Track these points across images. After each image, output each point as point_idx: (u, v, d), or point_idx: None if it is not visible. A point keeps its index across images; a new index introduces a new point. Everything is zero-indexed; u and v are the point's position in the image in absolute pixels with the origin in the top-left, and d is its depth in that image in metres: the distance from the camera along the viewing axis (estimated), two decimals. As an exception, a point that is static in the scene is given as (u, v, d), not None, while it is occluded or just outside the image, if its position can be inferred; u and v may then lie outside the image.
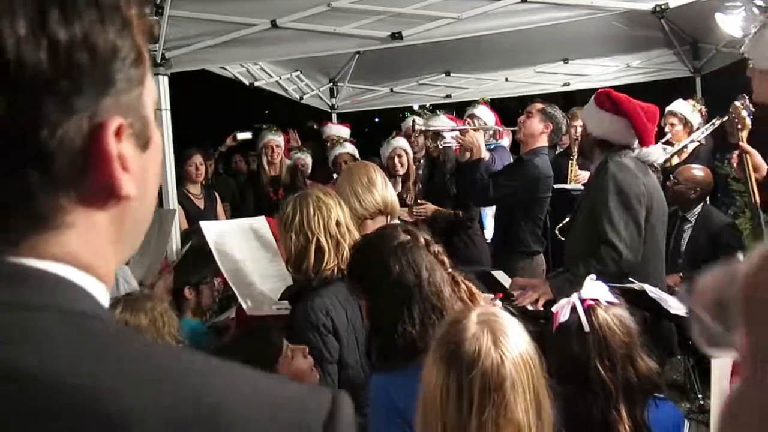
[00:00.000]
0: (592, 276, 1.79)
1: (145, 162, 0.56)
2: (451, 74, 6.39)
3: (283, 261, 2.81)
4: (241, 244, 2.88)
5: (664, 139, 4.84)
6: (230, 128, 5.92)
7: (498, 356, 1.24)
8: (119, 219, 0.56)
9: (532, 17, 3.39)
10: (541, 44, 5.33)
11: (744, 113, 2.93)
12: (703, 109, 4.87)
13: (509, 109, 7.60)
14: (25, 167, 0.49)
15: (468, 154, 3.83)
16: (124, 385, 0.47)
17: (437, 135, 4.34)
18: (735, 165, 2.92)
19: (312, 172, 5.63)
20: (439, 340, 1.30)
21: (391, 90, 6.57)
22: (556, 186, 4.19)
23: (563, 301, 1.70)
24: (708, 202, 4.28)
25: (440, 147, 4.38)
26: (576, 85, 6.19)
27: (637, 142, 2.85)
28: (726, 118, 5.00)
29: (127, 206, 0.55)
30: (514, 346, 1.27)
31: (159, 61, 3.68)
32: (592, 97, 2.96)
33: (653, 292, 2.08)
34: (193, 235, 3.70)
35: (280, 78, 5.71)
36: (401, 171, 4.51)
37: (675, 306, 2.10)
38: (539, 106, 3.86)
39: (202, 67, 4.10)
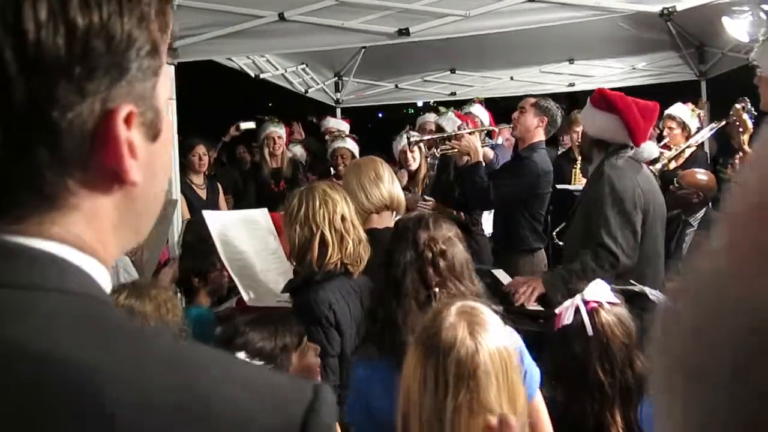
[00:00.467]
0: (597, 280, 1.80)
1: (154, 153, 0.58)
2: (457, 72, 6.38)
3: (284, 253, 2.83)
4: (243, 235, 2.89)
5: (661, 143, 4.85)
6: (233, 119, 5.91)
7: (473, 345, 1.27)
8: (123, 205, 0.57)
9: (539, 17, 3.39)
10: (547, 44, 5.32)
11: (745, 116, 2.93)
12: (702, 113, 4.88)
13: (514, 109, 7.58)
14: (35, 146, 0.51)
15: (466, 158, 3.80)
16: (116, 366, 0.48)
17: (434, 143, 4.30)
18: (737, 169, 2.92)
19: (311, 165, 5.65)
20: (421, 330, 1.35)
21: (396, 86, 6.57)
22: (559, 186, 4.19)
23: (567, 303, 1.70)
24: (711, 207, 4.28)
25: (437, 156, 4.35)
26: (581, 85, 6.18)
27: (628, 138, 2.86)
28: (724, 122, 5.05)
29: (132, 193, 0.56)
30: (490, 338, 1.31)
31: (166, 51, 3.68)
32: (589, 99, 2.96)
33: (653, 294, 2.09)
34: (193, 224, 3.72)
35: (286, 71, 5.71)
36: (413, 165, 4.52)
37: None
38: (532, 100, 3.83)
39: (210, 58, 4.11)
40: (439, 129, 4.63)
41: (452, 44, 4.47)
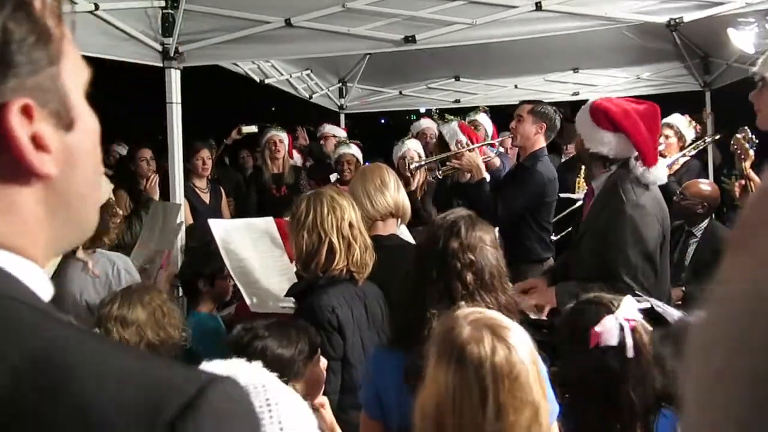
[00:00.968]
0: (627, 297, 1.76)
1: (72, 142, 0.57)
2: (461, 79, 6.39)
3: (289, 260, 2.82)
4: (248, 242, 2.89)
5: (663, 164, 4.87)
6: (236, 124, 5.92)
7: (506, 347, 1.26)
8: (47, 199, 0.56)
9: (545, 26, 3.39)
10: (552, 52, 5.33)
11: (747, 146, 2.95)
12: (698, 126, 4.91)
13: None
14: None
15: (468, 176, 3.78)
16: None
17: (436, 165, 4.25)
18: (738, 193, 2.91)
19: (310, 171, 5.64)
20: (440, 346, 1.31)
21: (400, 92, 6.58)
22: (561, 195, 4.18)
23: (610, 323, 1.66)
24: (713, 217, 4.28)
25: (440, 177, 4.30)
26: (585, 94, 6.17)
27: (636, 154, 2.79)
28: (718, 136, 5.06)
29: (54, 186, 0.56)
30: (516, 336, 1.30)
31: (172, 55, 3.69)
32: (587, 112, 2.77)
33: (659, 306, 2.08)
34: (196, 230, 3.71)
35: (291, 76, 5.72)
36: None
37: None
38: (527, 107, 3.76)
39: (215, 63, 4.11)
40: (440, 136, 4.64)
41: (457, 52, 4.48)
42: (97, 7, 3.23)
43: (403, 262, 1.92)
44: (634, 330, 1.64)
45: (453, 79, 6.40)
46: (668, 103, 5.98)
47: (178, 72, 3.75)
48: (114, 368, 0.51)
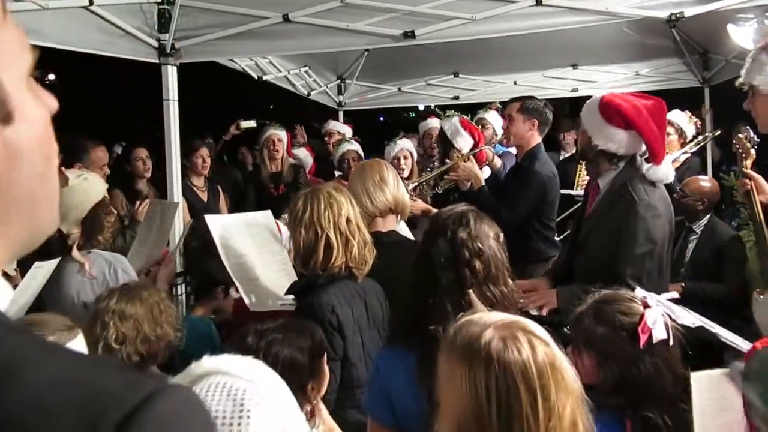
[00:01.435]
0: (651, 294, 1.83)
1: (10, 136, 0.53)
2: (460, 76, 6.37)
3: (288, 256, 2.80)
4: (246, 239, 2.86)
5: (669, 162, 4.86)
6: (234, 121, 5.88)
7: (543, 343, 1.24)
8: None
9: (546, 21, 3.37)
10: (551, 49, 5.30)
11: (748, 145, 2.95)
12: (698, 122, 4.91)
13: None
14: None
15: (468, 184, 3.74)
16: None
17: (435, 182, 4.22)
18: (740, 192, 2.91)
19: (315, 169, 5.62)
20: (469, 355, 1.24)
21: (399, 89, 6.56)
22: (561, 191, 4.16)
23: (655, 316, 1.71)
24: (713, 213, 4.27)
25: (440, 191, 4.26)
26: (584, 91, 6.17)
27: (643, 151, 2.78)
28: (718, 132, 5.06)
29: None
30: (540, 327, 1.28)
31: (169, 51, 3.66)
32: (596, 108, 2.74)
33: (662, 302, 2.07)
34: (196, 228, 3.68)
35: (289, 73, 5.69)
36: (405, 173, 4.51)
37: (683, 317, 2.08)
38: (516, 105, 3.73)
39: (212, 59, 4.08)
40: (441, 132, 4.61)
41: (456, 48, 4.45)
42: (91, 2, 3.19)
43: (403, 258, 1.90)
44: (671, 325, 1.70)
45: (452, 76, 6.38)
46: (667, 99, 5.95)
47: (175, 68, 3.71)
48: (56, 377, 0.49)
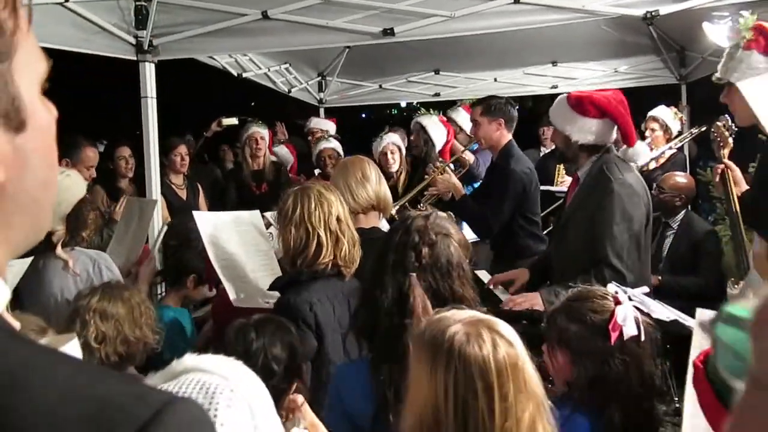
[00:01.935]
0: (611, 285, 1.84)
1: (21, 143, 0.54)
2: (441, 73, 6.38)
3: (275, 255, 2.79)
4: (234, 236, 2.84)
5: (643, 143, 4.92)
6: (214, 119, 5.84)
7: (506, 342, 1.24)
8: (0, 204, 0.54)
9: (524, 18, 3.40)
10: (531, 46, 5.34)
11: (726, 133, 3.00)
12: (684, 117, 4.96)
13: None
14: None
15: (450, 195, 3.75)
16: None
17: (417, 200, 4.20)
18: (717, 180, 2.97)
19: (297, 166, 5.60)
20: (432, 348, 1.25)
21: (380, 86, 6.55)
22: (542, 187, 4.20)
23: (625, 312, 1.72)
24: (690, 209, 4.33)
25: (424, 208, 4.25)
26: (564, 87, 6.20)
27: (614, 138, 2.86)
28: (704, 128, 5.13)
29: (6, 190, 0.53)
30: (510, 329, 1.28)
31: (146, 48, 3.63)
32: (566, 106, 2.84)
33: (635, 296, 2.09)
34: (174, 227, 3.66)
35: (269, 70, 5.66)
36: (394, 167, 4.52)
37: (657, 311, 2.11)
38: (479, 109, 3.75)
39: (190, 56, 4.05)
40: (423, 129, 4.64)
41: (436, 45, 4.47)
42: (67, -2, 3.16)
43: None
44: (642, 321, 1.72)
45: (433, 73, 6.39)
46: (645, 95, 6.06)
47: (153, 66, 3.68)
48: (64, 389, 0.49)
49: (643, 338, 1.72)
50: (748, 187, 2.95)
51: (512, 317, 2.78)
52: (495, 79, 6.34)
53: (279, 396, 1.59)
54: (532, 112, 8.94)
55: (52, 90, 0.60)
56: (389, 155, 4.55)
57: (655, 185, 4.13)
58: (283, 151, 5.78)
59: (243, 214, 2.99)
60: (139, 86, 3.68)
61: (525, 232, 3.70)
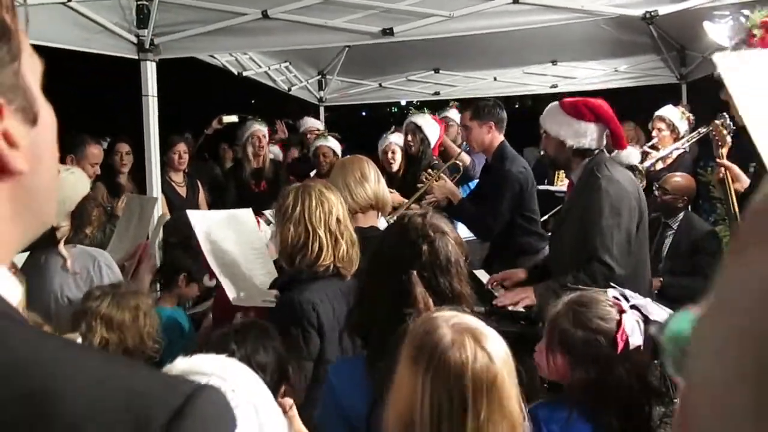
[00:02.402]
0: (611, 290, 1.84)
1: (36, 137, 0.56)
2: (440, 72, 6.39)
3: (269, 253, 2.79)
4: (230, 235, 2.85)
5: (650, 143, 4.92)
6: (215, 117, 5.84)
7: (486, 356, 1.23)
8: (17, 196, 0.56)
9: (523, 18, 3.41)
10: (531, 45, 5.34)
11: (724, 132, 3.00)
12: (691, 117, 4.94)
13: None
14: None
15: (446, 201, 3.76)
16: None
17: (418, 204, 4.20)
18: (717, 179, 2.98)
19: (293, 165, 5.60)
20: (418, 348, 1.27)
21: (380, 85, 6.56)
22: (540, 187, 4.20)
23: (632, 322, 1.71)
24: (689, 209, 4.33)
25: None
26: (564, 87, 6.22)
27: (605, 143, 2.88)
28: (711, 128, 5.11)
29: (23, 182, 0.55)
30: (495, 344, 1.27)
31: (147, 47, 3.64)
32: (560, 112, 2.87)
33: (633, 298, 2.10)
34: (173, 224, 3.67)
35: (269, 68, 5.68)
36: (394, 167, 4.55)
37: (655, 312, 2.12)
38: (468, 114, 3.75)
39: (191, 55, 4.06)
40: (419, 128, 4.65)
41: (436, 44, 4.48)
42: (69, -2, 3.17)
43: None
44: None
45: (432, 72, 6.40)
46: (645, 95, 6.06)
47: (154, 64, 3.70)
48: (95, 380, 0.51)
49: (642, 347, 1.71)
50: (749, 181, 2.95)
51: (512, 317, 2.81)
52: (495, 79, 6.34)
53: None
54: (532, 111, 8.94)
55: (55, 88, 0.62)
56: (389, 155, 4.59)
57: (656, 186, 4.14)
58: (276, 150, 5.79)
59: (237, 212, 3.00)
60: (140, 84, 3.70)
61: (524, 230, 3.71)
